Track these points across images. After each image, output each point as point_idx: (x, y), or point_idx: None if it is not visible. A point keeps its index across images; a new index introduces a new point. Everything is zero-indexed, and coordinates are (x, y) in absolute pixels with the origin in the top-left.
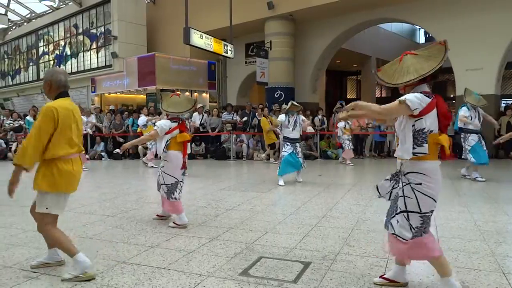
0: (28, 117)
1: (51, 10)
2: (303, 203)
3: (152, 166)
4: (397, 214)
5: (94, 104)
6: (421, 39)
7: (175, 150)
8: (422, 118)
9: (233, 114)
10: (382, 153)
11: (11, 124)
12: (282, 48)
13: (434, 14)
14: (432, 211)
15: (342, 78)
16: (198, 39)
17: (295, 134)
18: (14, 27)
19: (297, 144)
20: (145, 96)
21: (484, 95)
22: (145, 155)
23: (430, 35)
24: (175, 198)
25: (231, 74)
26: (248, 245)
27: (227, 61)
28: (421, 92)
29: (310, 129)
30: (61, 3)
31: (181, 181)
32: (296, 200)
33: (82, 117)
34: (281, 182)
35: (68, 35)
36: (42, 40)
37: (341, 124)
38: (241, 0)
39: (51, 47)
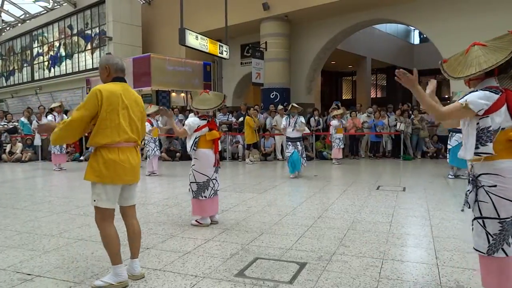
0: (22, 119)
1: (45, 11)
2: (299, 204)
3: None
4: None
5: None
6: (416, 40)
7: (205, 148)
8: (488, 117)
9: (229, 115)
10: (377, 153)
11: (5, 126)
12: (277, 49)
13: (428, 15)
14: None
15: (337, 78)
16: (194, 40)
17: (296, 134)
18: (8, 28)
19: (298, 143)
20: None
21: None
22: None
23: (425, 36)
24: (205, 197)
25: (226, 75)
26: (244, 246)
27: (223, 62)
28: (487, 88)
29: (306, 130)
30: (55, 4)
31: (213, 179)
32: (291, 201)
33: (194, 117)
34: (292, 176)
35: (62, 36)
36: (36, 41)
37: (334, 123)
38: (236, 1)
39: (45, 48)
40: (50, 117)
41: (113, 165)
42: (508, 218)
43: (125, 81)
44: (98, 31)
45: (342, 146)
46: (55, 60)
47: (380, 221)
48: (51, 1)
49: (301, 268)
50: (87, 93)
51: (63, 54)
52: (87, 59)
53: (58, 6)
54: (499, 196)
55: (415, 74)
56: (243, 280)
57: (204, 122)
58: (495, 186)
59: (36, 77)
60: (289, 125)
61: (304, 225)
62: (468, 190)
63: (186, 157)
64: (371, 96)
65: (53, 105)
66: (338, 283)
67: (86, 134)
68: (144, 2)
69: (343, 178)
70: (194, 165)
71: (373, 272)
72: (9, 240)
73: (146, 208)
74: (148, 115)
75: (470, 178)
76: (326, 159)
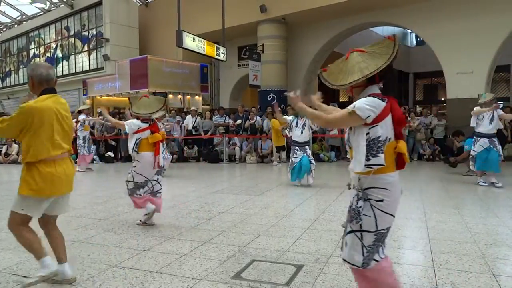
0: None
1: (42, 12)
2: (296, 206)
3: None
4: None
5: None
6: (412, 42)
7: (147, 151)
8: (377, 125)
9: (225, 117)
10: None
11: None
12: (274, 51)
13: (424, 18)
14: (388, 228)
15: None
16: (191, 42)
17: (304, 137)
18: (4, 29)
19: (307, 147)
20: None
21: (474, 98)
22: None
23: (421, 39)
24: (139, 195)
25: (223, 77)
26: (240, 248)
27: (220, 64)
28: (373, 95)
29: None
30: (52, 6)
31: (152, 180)
32: (288, 203)
33: (135, 119)
34: (296, 183)
35: (59, 38)
36: (33, 43)
37: None
38: (233, 3)
39: (42, 49)
40: (82, 116)
41: (50, 178)
42: (384, 230)
43: (55, 92)
44: (95, 32)
45: None
46: (52, 62)
47: None
48: (48, 3)
49: (298, 271)
50: (83, 95)
51: (60, 55)
52: (84, 61)
53: (55, 8)
54: (382, 211)
55: (296, 94)
56: (240, 282)
57: (146, 124)
58: (382, 200)
59: None
60: (296, 127)
61: (301, 227)
62: (360, 207)
63: (182, 159)
64: None
65: (82, 107)
66: (335, 286)
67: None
68: (141, 3)
69: (340, 180)
70: (135, 166)
71: None
72: (4, 242)
73: (143, 210)
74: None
75: (357, 192)
76: (323, 161)
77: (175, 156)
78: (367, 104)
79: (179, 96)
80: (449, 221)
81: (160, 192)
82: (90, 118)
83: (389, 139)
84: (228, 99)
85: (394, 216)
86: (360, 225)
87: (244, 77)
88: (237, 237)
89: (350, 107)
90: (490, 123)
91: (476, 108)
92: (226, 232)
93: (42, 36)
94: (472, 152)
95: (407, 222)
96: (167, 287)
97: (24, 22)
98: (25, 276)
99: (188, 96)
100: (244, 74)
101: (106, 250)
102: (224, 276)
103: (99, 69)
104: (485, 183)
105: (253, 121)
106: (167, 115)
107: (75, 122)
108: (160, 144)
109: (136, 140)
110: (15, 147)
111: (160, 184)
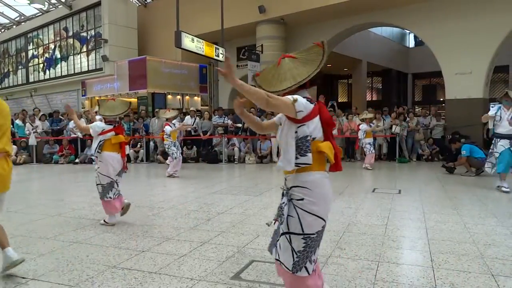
0: (17, 121)
1: (40, 13)
2: None
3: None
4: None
5: (84, 108)
6: (411, 43)
7: (109, 151)
8: (305, 124)
9: (224, 117)
10: None
11: None
12: (273, 52)
13: (423, 18)
14: (318, 233)
15: (333, 81)
16: (190, 42)
17: None
18: (3, 30)
19: None
20: (136, 99)
21: (473, 99)
22: (136, 158)
23: (420, 39)
24: (110, 197)
25: (222, 77)
26: (239, 248)
27: (219, 65)
28: (308, 99)
29: None
30: (51, 6)
31: (117, 181)
32: None
33: (70, 122)
34: None
35: (58, 38)
36: (31, 43)
37: (363, 126)
38: (232, 4)
39: (40, 50)
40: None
41: None
42: (313, 234)
43: None
44: (93, 33)
45: (373, 151)
46: (51, 62)
47: (376, 223)
48: (46, 3)
49: None
50: (82, 95)
51: (59, 56)
52: (82, 62)
53: (54, 8)
54: (304, 210)
55: (228, 62)
56: (239, 283)
57: (110, 126)
58: (302, 199)
59: (31, 79)
60: None
61: None
62: (283, 203)
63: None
64: (367, 99)
65: (168, 116)
66: (334, 286)
67: (82, 137)
68: (140, 4)
69: (338, 180)
70: (98, 167)
71: (368, 275)
72: None
73: (141, 211)
74: (166, 119)
75: (284, 191)
76: None
77: None
78: (302, 102)
79: (178, 97)
80: (448, 221)
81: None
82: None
83: (314, 138)
84: (227, 100)
85: (323, 220)
86: (288, 226)
87: (243, 78)
88: (236, 237)
89: (290, 97)
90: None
91: (485, 115)
92: (225, 233)
93: (41, 37)
94: (495, 154)
95: (406, 222)
96: (166, 287)
97: (22, 23)
98: (23, 277)
99: (187, 97)
100: (243, 75)
101: (105, 251)
102: (223, 276)
103: (98, 70)
104: (507, 188)
105: None
106: (180, 115)
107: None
108: (173, 145)
109: (100, 141)
110: (13, 148)
111: (118, 185)
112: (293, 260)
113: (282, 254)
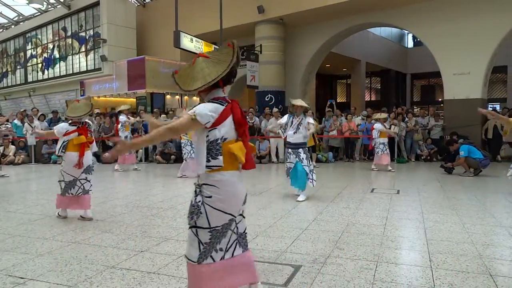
0: (15, 121)
1: (39, 13)
2: (294, 207)
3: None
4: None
5: None
6: (410, 43)
7: (72, 151)
8: (216, 128)
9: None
10: (371, 156)
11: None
12: (272, 52)
13: (421, 19)
14: (224, 226)
15: (332, 81)
16: (188, 42)
17: (298, 138)
18: (1, 30)
19: (300, 150)
20: (135, 99)
21: (471, 99)
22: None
23: (418, 39)
24: (72, 194)
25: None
26: None
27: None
28: (213, 99)
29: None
30: (49, 6)
31: (80, 179)
32: (286, 203)
33: (64, 123)
34: (300, 198)
35: (56, 38)
36: (30, 43)
37: (378, 126)
38: (231, 4)
39: (39, 50)
40: (123, 117)
41: None
42: (218, 226)
43: None
44: (92, 33)
45: (387, 152)
46: (49, 62)
47: (375, 224)
48: (45, 3)
49: (296, 271)
50: (81, 95)
51: (57, 56)
52: (81, 61)
53: (52, 8)
54: (212, 207)
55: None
56: None
57: (74, 128)
58: (210, 197)
59: (30, 79)
60: (290, 126)
61: (299, 228)
62: (199, 201)
63: (181, 159)
64: (366, 99)
65: (122, 108)
66: (332, 286)
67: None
68: (138, 4)
69: (337, 181)
70: (62, 166)
71: (367, 275)
72: (1, 243)
73: (141, 211)
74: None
75: (197, 188)
76: (321, 162)
77: (172, 156)
78: (207, 109)
79: (177, 97)
80: (446, 221)
81: (91, 190)
82: (131, 119)
83: (225, 139)
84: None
85: (231, 215)
86: (195, 221)
87: (241, 78)
88: None
89: (191, 112)
90: None
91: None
92: None
93: (39, 36)
94: None
95: (405, 223)
96: None
97: (21, 23)
98: (22, 278)
99: (185, 97)
100: (242, 75)
101: (104, 251)
102: None
103: (97, 70)
104: None
105: (252, 121)
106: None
107: (116, 122)
108: (189, 144)
109: (63, 142)
110: (12, 148)
111: (90, 182)
112: (200, 251)
113: (188, 248)
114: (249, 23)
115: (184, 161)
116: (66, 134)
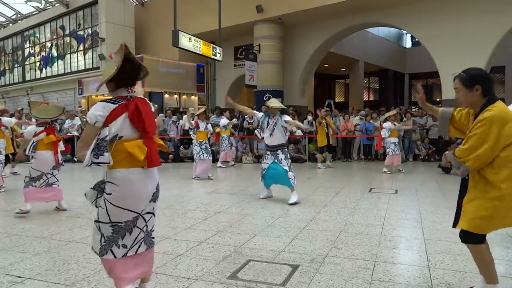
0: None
1: (37, 11)
2: (292, 206)
3: (220, 166)
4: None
5: (81, 107)
6: (408, 43)
7: (42, 150)
8: (107, 127)
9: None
10: (370, 156)
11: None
12: (271, 52)
13: (420, 19)
14: (127, 223)
15: (330, 81)
16: (187, 41)
17: (275, 141)
18: None
19: (279, 152)
20: None
21: None
22: None
23: (417, 39)
24: (35, 186)
25: (220, 77)
26: (236, 248)
27: (216, 64)
28: (114, 98)
29: (299, 132)
30: (47, 5)
31: (47, 174)
32: (284, 203)
33: (66, 121)
34: (262, 195)
35: (54, 37)
36: (28, 42)
37: (387, 125)
38: (230, 3)
39: (37, 48)
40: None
41: None
42: (121, 222)
43: None
44: (90, 32)
45: (398, 152)
46: (47, 61)
47: (372, 223)
48: (43, 2)
49: (294, 271)
50: (79, 94)
51: (55, 54)
52: (79, 60)
53: (50, 7)
54: (112, 203)
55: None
56: (235, 282)
57: (41, 128)
58: (110, 194)
59: (28, 77)
60: (266, 128)
61: (297, 227)
62: (96, 194)
63: (178, 159)
64: (364, 99)
65: (198, 112)
66: (330, 285)
67: (78, 135)
68: (137, 3)
69: (335, 180)
70: (32, 163)
71: (365, 274)
72: None
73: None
74: (197, 115)
75: (101, 185)
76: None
77: (171, 156)
78: (95, 110)
79: (175, 96)
80: (444, 221)
81: (56, 184)
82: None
83: (120, 137)
84: (224, 99)
85: (135, 213)
86: (98, 216)
87: (240, 77)
88: (233, 237)
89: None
90: None
91: None
92: (222, 232)
93: (37, 35)
94: None
95: (403, 222)
96: (162, 287)
97: (19, 21)
98: (19, 277)
99: (184, 96)
100: (241, 74)
101: None
102: (220, 276)
103: (95, 69)
104: None
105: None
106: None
107: None
108: (197, 145)
109: (33, 142)
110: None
111: (56, 177)
112: (101, 244)
113: (92, 240)
114: (248, 22)
115: (194, 161)
116: (35, 135)
